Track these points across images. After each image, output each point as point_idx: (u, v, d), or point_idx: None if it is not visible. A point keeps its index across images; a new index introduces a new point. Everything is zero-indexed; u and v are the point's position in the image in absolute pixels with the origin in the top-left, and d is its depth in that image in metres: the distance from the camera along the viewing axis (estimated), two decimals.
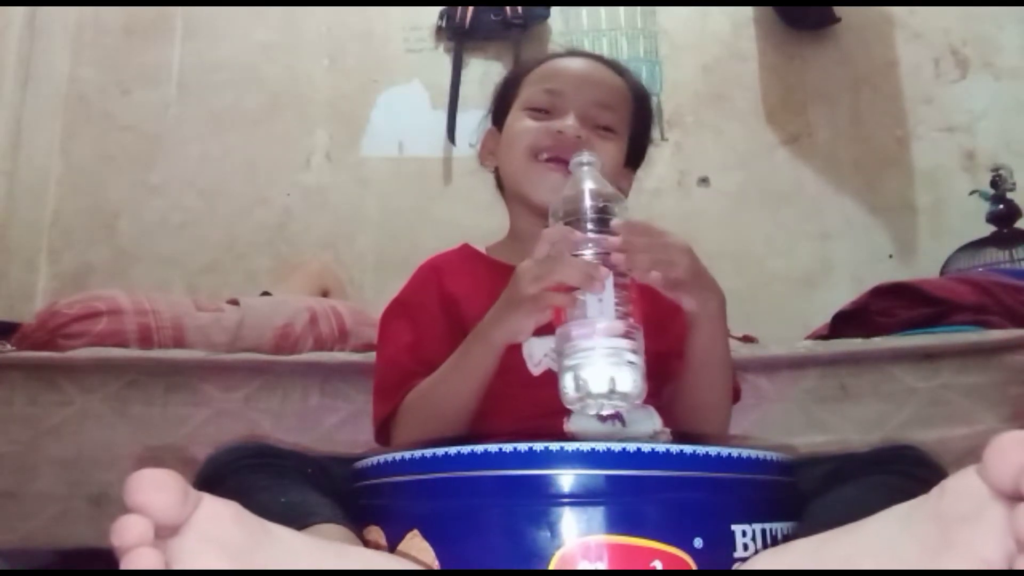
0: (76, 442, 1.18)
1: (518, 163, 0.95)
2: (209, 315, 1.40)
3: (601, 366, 0.64)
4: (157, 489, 0.45)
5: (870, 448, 0.74)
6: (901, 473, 0.68)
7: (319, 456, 0.79)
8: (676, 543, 0.53)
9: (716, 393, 0.90)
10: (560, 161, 0.91)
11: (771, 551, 0.55)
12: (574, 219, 0.71)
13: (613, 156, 0.95)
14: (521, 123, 0.97)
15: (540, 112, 0.97)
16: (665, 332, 0.90)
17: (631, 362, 0.64)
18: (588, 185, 0.72)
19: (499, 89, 1.06)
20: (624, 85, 1.02)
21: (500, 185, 1.05)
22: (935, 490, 0.47)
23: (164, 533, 0.45)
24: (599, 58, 1.06)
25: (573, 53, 1.09)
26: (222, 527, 0.47)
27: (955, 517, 0.45)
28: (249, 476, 0.68)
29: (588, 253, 0.69)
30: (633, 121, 1.01)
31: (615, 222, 0.71)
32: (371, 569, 0.53)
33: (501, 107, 1.04)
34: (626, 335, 0.65)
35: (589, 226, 0.70)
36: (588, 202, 0.71)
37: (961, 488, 0.45)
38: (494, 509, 0.55)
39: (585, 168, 0.75)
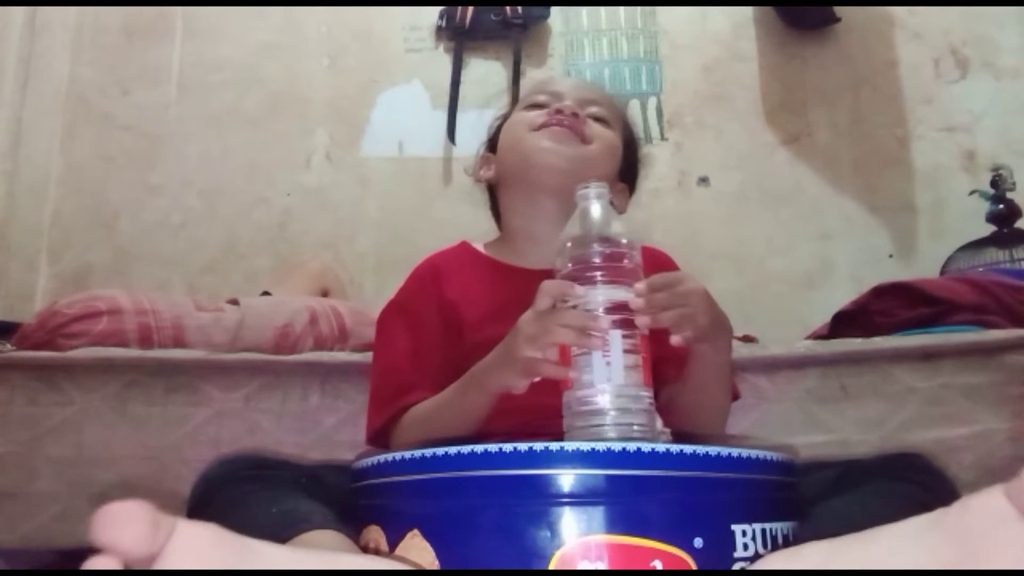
0: (76, 442, 1.18)
1: (518, 139, 0.98)
2: (209, 315, 1.40)
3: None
4: (124, 524, 0.44)
5: (875, 455, 0.74)
6: (907, 480, 0.68)
7: (314, 465, 0.80)
8: (676, 543, 0.53)
9: (714, 408, 0.91)
10: (561, 125, 0.95)
11: (780, 554, 0.55)
12: (581, 263, 0.68)
13: (610, 139, 0.98)
14: (518, 115, 1.01)
15: (538, 107, 1.00)
16: (664, 338, 0.90)
17: (642, 426, 0.64)
18: (595, 225, 0.69)
19: (495, 122, 1.10)
20: (611, 99, 1.06)
21: (493, 204, 1.06)
22: (956, 506, 0.46)
23: (139, 565, 0.45)
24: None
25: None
26: (199, 551, 0.46)
27: (979, 536, 0.44)
28: (242, 488, 0.69)
29: (599, 307, 0.66)
30: (623, 133, 1.04)
31: (638, 286, 0.67)
32: (364, 570, 0.53)
33: (498, 136, 1.06)
34: (636, 400, 0.64)
35: (598, 274, 0.67)
36: (596, 247, 0.68)
37: (987, 508, 0.44)
38: (494, 509, 0.55)
39: (593, 202, 0.70)
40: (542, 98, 1.00)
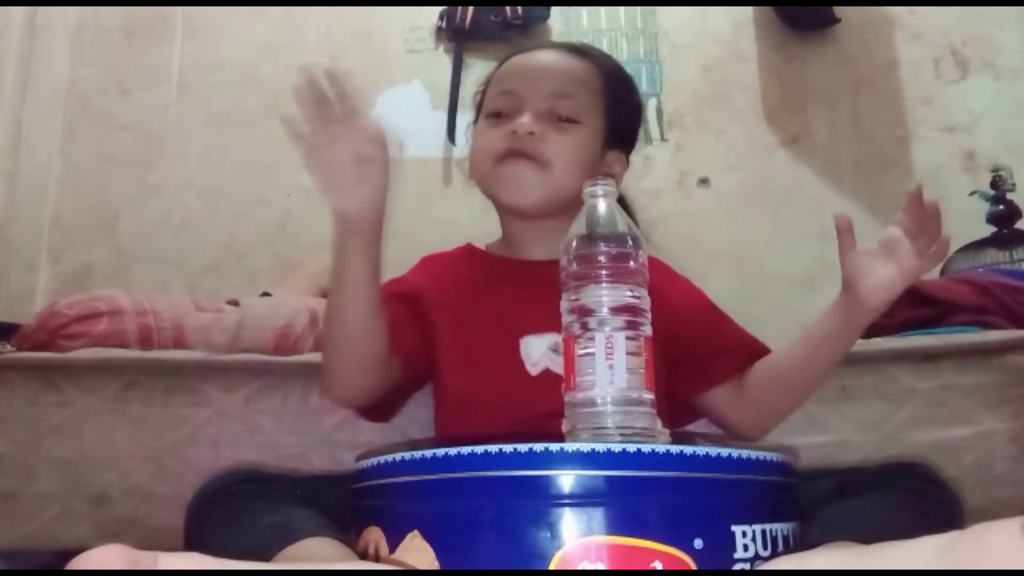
0: (76, 442, 1.18)
1: (483, 172, 0.95)
2: (209, 315, 1.40)
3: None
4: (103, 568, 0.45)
5: (877, 463, 0.74)
6: (910, 489, 0.69)
7: (309, 476, 0.80)
8: (676, 543, 0.53)
9: (801, 390, 0.94)
10: (519, 155, 0.91)
11: (789, 557, 0.55)
12: (587, 263, 0.68)
13: (571, 148, 0.92)
14: (481, 135, 0.97)
15: (499, 117, 0.95)
16: (682, 342, 0.91)
17: (643, 428, 0.64)
18: (601, 224, 0.69)
19: (475, 97, 1.06)
20: (586, 67, 0.98)
21: None
22: (971, 534, 0.45)
23: None
24: (557, 45, 1.02)
25: (533, 46, 1.05)
26: None
27: (992, 566, 0.44)
28: (236, 502, 0.70)
29: (605, 310, 0.66)
30: (606, 100, 0.98)
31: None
32: (360, 570, 0.53)
33: (478, 115, 1.04)
34: (637, 402, 0.64)
35: (603, 274, 0.66)
36: (601, 247, 0.67)
37: (1001, 543, 0.44)
38: (494, 510, 0.55)
39: (600, 200, 0.70)
40: (500, 103, 0.96)
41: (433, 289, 0.97)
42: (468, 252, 1.04)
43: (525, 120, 0.92)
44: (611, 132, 0.98)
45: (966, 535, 0.46)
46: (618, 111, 0.99)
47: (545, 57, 0.99)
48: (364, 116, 0.78)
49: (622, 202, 1.01)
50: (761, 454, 0.60)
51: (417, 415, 1.07)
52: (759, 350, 0.96)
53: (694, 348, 0.93)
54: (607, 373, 0.64)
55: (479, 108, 1.03)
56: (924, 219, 0.81)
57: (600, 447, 0.55)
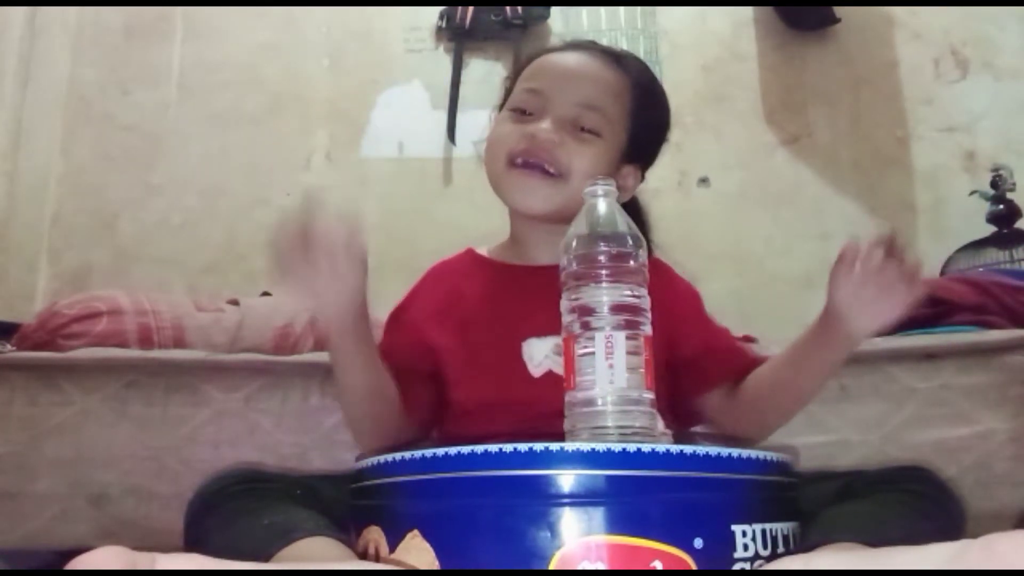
0: (76, 442, 1.18)
1: (496, 169, 0.94)
2: (209, 315, 1.40)
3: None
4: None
5: (879, 467, 0.75)
6: (912, 491, 0.69)
7: (308, 476, 0.80)
8: (676, 543, 0.53)
9: (788, 405, 0.93)
10: (533, 166, 0.89)
11: (794, 558, 0.55)
12: (586, 262, 0.67)
13: (589, 161, 0.90)
14: (500, 127, 0.95)
15: (522, 114, 0.94)
16: (677, 344, 0.91)
17: (643, 427, 0.64)
18: (602, 224, 0.68)
19: (504, 82, 1.05)
20: (618, 78, 0.95)
21: None
22: (982, 543, 0.45)
23: None
24: (597, 50, 0.99)
25: (570, 46, 1.02)
26: None
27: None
28: (235, 502, 0.70)
29: (604, 310, 0.65)
30: (633, 116, 0.95)
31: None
32: (360, 570, 0.53)
33: (505, 101, 1.02)
34: (637, 402, 0.64)
35: (603, 274, 0.66)
36: (602, 246, 0.67)
37: (1010, 551, 0.44)
38: (494, 509, 0.55)
39: (600, 200, 0.70)
40: (526, 101, 0.94)
41: (434, 307, 0.96)
42: (471, 260, 1.03)
43: (546, 126, 0.90)
44: (631, 147, 0.96)
45: (976, 543, 0.46)
46: (643, 127, 0.97)
47: (578, 61, 0.96)
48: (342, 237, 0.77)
49: (636, 211, 1.01)
50: (761, 454, 0.60)
51: None
52: (751, 360, 0.96)
53: (687, 352, 0.93)
54: (607, 373, 0.64)
55: (506, 95, 1.01)
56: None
57: (600, 447, 0.55)
